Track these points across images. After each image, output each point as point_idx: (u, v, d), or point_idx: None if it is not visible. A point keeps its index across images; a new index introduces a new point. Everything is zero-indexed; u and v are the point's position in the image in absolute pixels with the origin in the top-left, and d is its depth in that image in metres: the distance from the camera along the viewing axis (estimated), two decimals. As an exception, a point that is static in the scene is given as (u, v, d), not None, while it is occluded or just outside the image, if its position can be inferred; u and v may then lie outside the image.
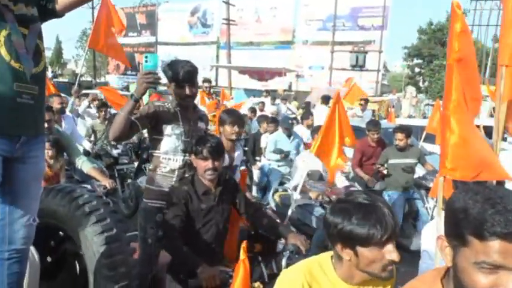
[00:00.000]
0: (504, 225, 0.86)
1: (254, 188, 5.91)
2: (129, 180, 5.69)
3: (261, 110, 10.20)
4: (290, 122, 6.31)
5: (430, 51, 32.51)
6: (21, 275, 1.98)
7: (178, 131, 2.54)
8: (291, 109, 12.67)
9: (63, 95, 7.35)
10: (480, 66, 23.17)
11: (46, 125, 3.73)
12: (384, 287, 1.46)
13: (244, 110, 9.15)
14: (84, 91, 11.90)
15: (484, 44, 28.44)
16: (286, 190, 4.77)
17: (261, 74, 24.48)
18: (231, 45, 24.44)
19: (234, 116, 3.04)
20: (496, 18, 27.50)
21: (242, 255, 1.62)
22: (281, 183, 5.32)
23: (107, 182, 3.83)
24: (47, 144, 3.53)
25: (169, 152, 2.54)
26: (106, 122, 6.31)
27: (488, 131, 3.59)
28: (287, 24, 25.12)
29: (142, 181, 5.53)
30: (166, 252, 2.34)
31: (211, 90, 8.55)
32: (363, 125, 5.66)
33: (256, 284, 2.25)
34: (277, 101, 12.37)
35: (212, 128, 4.42)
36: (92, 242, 2.22)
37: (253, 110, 9.39)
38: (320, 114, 8.91)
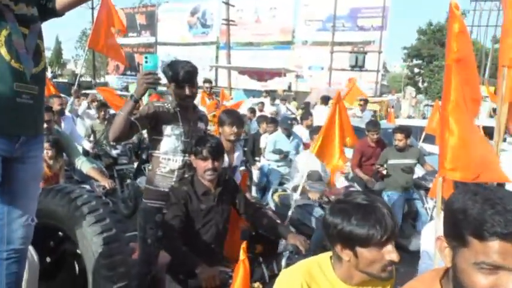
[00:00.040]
0: (504, 226, 0.86)
1: (253, 189, 5.91)
2: (129, 181, 5.69)
3: (261, 111, 10.21)
4: (289, 122, 6.31)
5: (429, 52, 32.55)
6: (19, 275, 1.98)
7: (178, 131, 2.54)
8: (290, 109, 12.68)
9: (62, 95, 7.36)
10: (479, 67, 23.21)
11: (46, 125, 3.74)
12: (383, 287, 1.46)
13: (243, 110, 9.16)
14: (83, 91, 11.88)
15: (484, 44, 28.50)
16: (285, 190, 4.77)
17: (260, 75, 24.48)
18: (231, 46, 24.45)
19: (233, 117, 3.03)
20: (496, 18, 27.56)
21: (242, 255, 1.63)
22: (280, 184, 5.32)
23: (106, 182, 3.83)
24: (46, 145, 3.53)
25: (169, 152, 2.54)
26: (105, 122, 6.31)
27: (487, 132, 3.59)
28: (287, 25, 25.13)
29: (141, 181, 5.53)
30: (166, 252, 2.34)
31: (212, 90, 8.56)
32: (363, 126, 5.67)
33: (256, 284, 2.25)
34: (277, 101, 12.38)
35: (212, 128, 4.42)
36: (91, 242, 2.22)
37: (252, 111, 9.39)
38: (319, 115, 8.91)
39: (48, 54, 37.53)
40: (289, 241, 2.30)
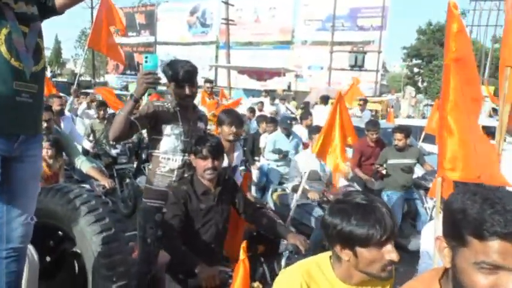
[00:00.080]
0: (504, 225, 0.86)
1: (253, 188, 5.91)
2: (128, 180, 5.69)
3: (260, 110, 10.21)
4: (289, 122, 6.30)
5: (429, 52, 32.55)
6: (19, 274, 1.98)
7: (178, 131, 2.54)
8: (290, 109, 12.69)
9: (62, 94, 7.37)
10: (479, 67, 23.22)
11: (46, 124, 3.74)
12: (382, 287, 1.46)
13: (242, 110, 9.16)
14: (83, 90, 11.89)
15: (483, 44, 28.50)
16: (284, 190, 4.77)
17: (260, 74, 24.48)
18: (230, 45, 24.45)
19: (232, 116, 3.01)
20: (496, 18, 27.58)
21: (242, 255, 1.63)
22: (280, 183, 5.32)
23: (106, 182, 3.83)
24: (46, 144, 3.53)
25: (169, 151, 2.54)
26: (105, 122, 6.32)
27: (487, 132, 3.58)
28: (286, 24, 25.13)
29: (141, 181, 5.54)
30: (166, 251, 2.34)
31: (212, 90, 8.58)
32: (362, 125, 5.67)
33: (256, 284, 2.26)
34: (276, 101, 12.38)
35: (212, 128, 4.42)
36: (91, 241, 2.22)
37: (252, 110, 9.39)
38: (319, 115, 8.93)
39: (47, 53, 37.47)
40: (289, 241, 2.30)
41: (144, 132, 2.64)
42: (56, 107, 5.00)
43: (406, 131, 5.00)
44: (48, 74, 28.94)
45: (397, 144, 4.93)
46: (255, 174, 5.92)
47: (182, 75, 2.47)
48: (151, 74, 2.23)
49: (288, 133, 5.93)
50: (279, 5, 24.98)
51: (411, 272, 3.22)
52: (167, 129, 2.52)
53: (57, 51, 43.86)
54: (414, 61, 35.95)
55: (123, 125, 2.30)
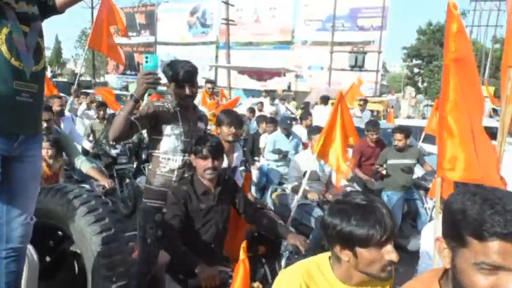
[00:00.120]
0: (504, 226, 0.86)
1: (253, 188, 5.91)
2: (128, 180, 5.69)
3: (260, 110, 10.21)
4: (289, 122, 6.30)
5: (429, 52, 32.56)
6: (18, 274, 1.98)
7: (178, 131, 2.54)
8: (290, 109, 12.69)
9: (62, 95, 7.38)
10: (479, 67, 23.22)
11: (46, 124, 3.75)
12: (382, 287, 1.46)
13: (242, 110, 9.17)
14: (83, 90, 11.89)
15: (484, 44, 28.51)
16: (284, 190, 4.77)
17: (260, 74, 24.49)
18: (230, 45, 24.46)
19: (231, 117, 3.00)
20: (496, 19, 27.59)
21: (242, 255, 1.63)
22: (280, 184, 5.32)
23: (106, 182, 3.83)
24: (46, 144, 3.54)
25: (169, 152, 2.54)
26: (105, 122, 6.32)
27: (487, 132, 3.57)
28: (286, 25, 25.13)
29: (141, 181, 5.54)
30: (165, 252, 2.34)
31: (214, 90, 8.61)
32: (362, 126, 5.67)
33: (256, 284, 2.26)
34: (276, 101, 12.39)
35: (212, 128, 4.42)
36: (91, 241, 2.22)
37: (252, 110, 9.40)
38: (319, 115, 8.93)
39: (47, 53, 37.49)
40: (289, 241, 2.30)
41: (144, 132, 2.64)
42: (56, 107, 5.01)
43: (406, 131, 5.00)
44: (49, 74, 28.95)
45: (397, 144, 4.93)
46: (254, 174, 5.92)
47: (182, 75, 2.47)
48: (152, 74, 2.23)
49: (288, 133, 5.93)
50: (279, 5, 24.99)
51: (411, 273, 3.22)
52: (167, 129, 2.52)
53: (58, 51, 43.88)
54: (414, 61, 35.95)
55: (123, 125, 2.30)
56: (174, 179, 2.53)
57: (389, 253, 1.27)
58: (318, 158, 3.92)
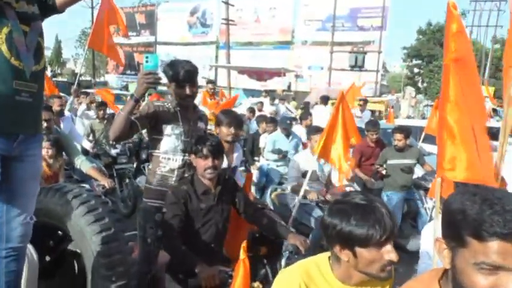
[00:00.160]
0: (503, 226, 0.86)
1: (253, 188, 5.91)
2: (128, 180, 5.69)
3: (260, 110, 10.22)
4: (289, 122, 6.31)
5: (429, 52, 32.56)
6: (18, 273, 1.98)
7: (178, 130, 2.54)
8: (289, 109, 12.70)
9: (62, 94, 7.38)
10: (479, 67, 23.23)
11: (46, 124, 3.75)
12: (382, 287, 1.46)
13: (242, 110, 9.18)
14: (83, 90, 11.90)
15: (484, 44, 28.53)
16: (284, 190, 4.77)
17: (260, 74, 24.50)
18: (230, 45, 24.46)
19: (230, 117, 2.98)
20: (496, 19, 27.61)
21: (242, 254, 1.63)
22: (280, 183, 5.32)
23: (105, 182, 3.83)
24: (47, 144, 3.54)
25: (169, 151, 2.54)
26: (105, 122, 6.32)
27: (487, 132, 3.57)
28: (286, 25, 25.14)
29: (140, 181, 5.54)
30: (165, 251, 2.34)
31: (215, 91, 8.67)
32: (362, 126, 5.67)
33: (256, 284, 2.26)
34: (276, 101, 12.39)
35: (212, 127, 4.42)
36: (91, 241, 2.22)
37: (251, 110, 9.40)
38: (319, 115, 8.94)
39: (47, 53, 37.51)
40: (289, 241, 2.30)
41: (144, 132, 2.64)
42: (56, 107, 5.02)
43: (406, 131, 5.00)
44: (49, 73, 28.95)
45: (397, 144, 4.94)
46: (254, 174, 5.93)
47: (183, 75, 2.47)
48: (152, 74, 2.23)
49: (288, 133, 5.93)
50: (279, 5, 24.99)
51: (411, 273, 3.23)
52: (167, 129, 2.52)
53: (58, 51, 43.86)
54: (414, 61, 35.96)
55: (123, 125, 2.30)
56: (174, 178, 2.54)
57: (388, 253, 1.27)
58: (319, 157, 3.92)
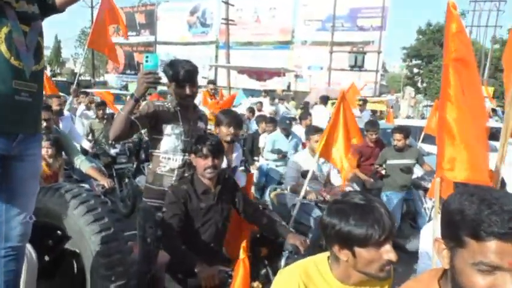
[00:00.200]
0: (501, 225, 0.86)
1: (252, 188, 5.90)
2: (127, 180, 5.69)
3: (259, 110, 10.22)
4: (288, 122, 6.31)
5: (428, 52, 32.58)
6: (17, 273, 1.97)
7: (178, 130, 2.54)
8: (289, 108, 12.70)
9: (62, 94, 7.37)
10: (479, 67, 23.22)
11: (45, 123, 3.74)
12: (381, 287, 1.47)
13: (242, 110, 9.18)
14: (83, 89, 11.89)
15: (483, 45, 28.55)
16: (283, 189, 4.76)
17: (259, 74, 24.51)
18: (230, 45, 24.46)
19: (230, 117, 2.98)
20: (495, 19, 27.63)
21: (242, 254, 1.63)
22: (279, 183, 5.32)
23: (105, 182, 3.83)
24: (46, 143, 3.53)
25: (169, 151, 2.54)
26: (104, 121, 6.32)
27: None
28: (286, 25, 25.15)
29: (140, 180, 5.54)
30: (165, 251, 2.34)
31: (216, 91, 8.69)
32: (362, 126, 5.67)
33: (256, 283, 2.26)
34: (276, 101, 12.40)
35: (212, 128, 4.42)
36: (90, 241, 2.22)
37: (251, 110, 9.40)
38: (318, 115, 8.93)
39: (47, 53, 37.49)
40: (289, 241, 2.31)
41: (144, 131, 2.64)
42: (54, 106, 5.00)
43: (406, 131, 5.00)
44: (48, 73, 28.90)
45: (396, 144, 4.94)
46: (254, 174, 5.93)
47: (183, 75, 2.47)
48: (152, 73, 2.23)
49: (288, 133, 5.93)
50: (279, 5, 25.00)
51: (410, 273, 3.23)
52: (167, 128, 2.52)
53: (57, 51, 43.83)
54: (414, 61, 35.98)
55: (123, 124, 2.30)
56: (174, 178, 2.54)
57: (387, 253, 1.27)
58: (320, 157, 3.91)
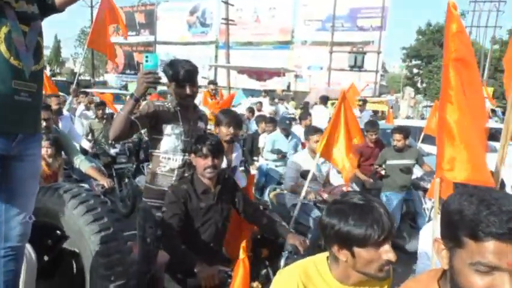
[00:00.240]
0: (499, 226, 0.86)
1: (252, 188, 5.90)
2: (127, 180, 5.68)
3: (259, 110, 10.22)
4: (288, 122, 6.31)
5: (428, 52, 32.60)
6: (17, 273, 1.97)
7: (178, 130, 2.54)
8: (288, 108, 12.71)
9: (61, 94, 7.37)
10: (478, 68, 23.22)
11: (45, 123, 3.74)
12: (380, 287, 1.47)
13: (242, 110, 9.18)
14: (82, 89, 11.89)
15: (483, 45, 28.57)
16: (282, 189, 4.77)
17: (259, 74, 24.52)
18: (230, 45, 24.46)
19: (230, 117, 2.98)
20: (495, 19, 27.65)
21: (242, 254, 1.63)
22: (279, 183, 5.32)
23: (105, 181, 3.82)
24: (46, 143, 3.53)
25: (169, 151, 2.54)
26: (104, 121, 6.32)
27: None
28: (286, 25, 25.16)
29: (140, 180, 5.53)
30: (165, 251, 2.34)
31: (216, 91, 8.70)
32: (362, 126, 5.66)
33: (255, 284, 2.26)
34: (276, 101, 12.40)
35: (212, 128, 4.42)
36: (89, 240, 2.22)
37: (251, 110, 9.40)
38: (318, 115, 8.93)
39: (47, 52, 37.44)
40: (289, 241, 2.31)
41: (144, 131, 2.64)
42: (53, 106, 5.00)
43: (405, 131, 5.00)
44: (48, 73, 28.91)
45: (396, 144, 4.94)
46: (253, 174, 5.93)
47: (183, 74, 2.47)
48: (152, 73, 2.23)
49: (287, 133, 5.93)
50: (278, 5, 25.01)
51: (409, 273, 3.23)
52: (167, 128, 2.52)
53: (57, 50, 43.81)
54: (413, 62, 36.00)
55: (123, 124, 2.30)
56: (174, 178, 2.53)
57: (386, 253, 1.28)
58: (321, 157, 3.90)
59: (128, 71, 31.07)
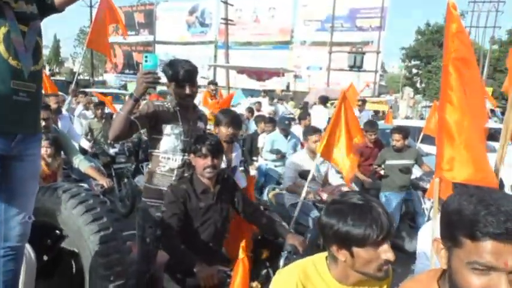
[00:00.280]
0: (496, 226, 0.87)
1: (251, 188, 5.90)
2: (126, 179, 5.68)
3: (258, 110, 10.21)
4: (287, 122, 6.31)
5: (427, 52, 32.63)
6: (16, 273, 1.97)
7: (178, 130, 2.54)
8: (287, 108, 12.71)
9: (60, 93, 7.36)
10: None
11: (44, 123, 3.73)
12: (379, 287, 1.47)
13: (241, 110, 9.17)
14: (81, 89, 11.87)
15: (482, 45, 28.60)
16: (282, 189, 4.77)
17: (259, 74, 24.51)
18: (229, 45, 24.46)
19: (229, 117, 2.98)
20: (494, 20, 27.68)
21: (241, 254, 1.63)
22: (278, 183, 5.32)
23: (104, 181, 3.82)
24: (45, 143, 3.53)
25: (169, 151, 2.54)
26: (103, 121, 6.31)
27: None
28: (285, 25, 25.17)
29: (139, 180, 5.54)
30: (164, 251, 2.34)
31: (216, 92, 8.71)
32: (361, 126, 5.67)
33: (255, 283, 2.26)
34: (275, 101, 12.40)
35: (211, 128, 4.42)
36: (89, 240, 2.22)
37: (250, 110, 9.39)
38: (317, 115, 8.93)
39: (46, 52, 37.42)
40: (288, 241, 2.31)
41: (143, 131, 2.64)
42: (52, 105, 4.99)
43: (405, 131, 5.00)
44: (47, 72, 28.85)
45: (395, 145, 4.94)
46: (253, 174, 5.93)
47: (182, 74, 2.47)
48: (151, 73, 2.23)
49: (286, 133, 5.93)
50: (278, 5, 25.02)
51: (408, 273, 3.23)
52: (167, 128, 2.52)
53: (56, 50, 43.78)
54: (413, 62, 36.03)
55: (123, 124, 2.30)
56: (173, 178, 2.54)
57: (385, 252, 1.28)
58: (321, 157, 3.90)
59: (127, 71, 31.07)
